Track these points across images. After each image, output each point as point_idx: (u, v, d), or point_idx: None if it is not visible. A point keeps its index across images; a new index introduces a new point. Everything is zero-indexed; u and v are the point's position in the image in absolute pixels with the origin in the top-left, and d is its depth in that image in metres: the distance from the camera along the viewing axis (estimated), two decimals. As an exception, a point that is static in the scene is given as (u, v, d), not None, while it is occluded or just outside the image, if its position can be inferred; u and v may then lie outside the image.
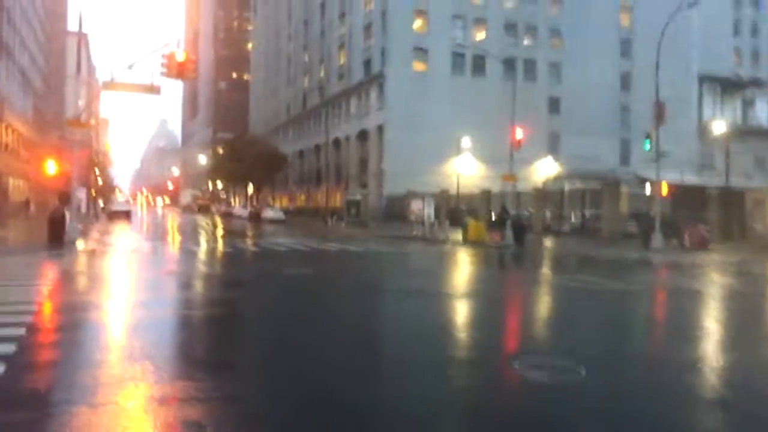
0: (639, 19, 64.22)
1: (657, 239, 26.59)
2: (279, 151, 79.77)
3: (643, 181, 46.54)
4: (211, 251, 23.55)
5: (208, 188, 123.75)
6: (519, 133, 32.86)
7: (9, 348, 6.86)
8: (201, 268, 17.47)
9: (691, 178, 44.91)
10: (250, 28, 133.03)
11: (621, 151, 64.82)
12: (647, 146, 29.24)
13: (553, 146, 61.92)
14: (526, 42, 63.36)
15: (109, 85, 25.38)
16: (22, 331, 7.83)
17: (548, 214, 37.79)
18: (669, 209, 31.36)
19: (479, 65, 59.94)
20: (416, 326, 9.50)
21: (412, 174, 52.62)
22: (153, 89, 25.39)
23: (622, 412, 5.61)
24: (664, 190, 29.30)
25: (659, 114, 28.25)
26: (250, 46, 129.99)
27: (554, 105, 63.53)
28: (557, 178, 56.20)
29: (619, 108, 65.13)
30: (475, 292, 13.91)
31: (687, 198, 33.31)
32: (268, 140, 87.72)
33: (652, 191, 32.32)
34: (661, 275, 18.50)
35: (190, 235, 34.89)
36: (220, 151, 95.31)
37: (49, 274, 14.35)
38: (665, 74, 30.85)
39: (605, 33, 64.12)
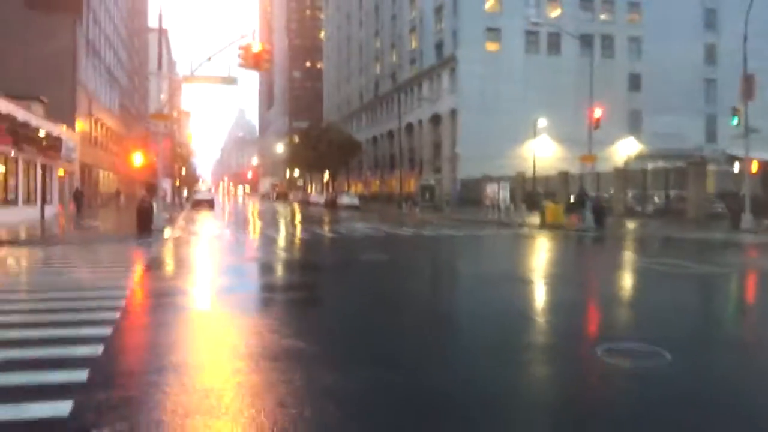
0: (725, -13, 60.88)
1: (747, 220, 25.30)
2: (353, 138, 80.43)
3: (731, 159, 44.33)
4: (290, 237, 24.07)
5: (285, 176, 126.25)
6: (597, 112, 31.88)
7: (105, 330, 7.24)
8: (280, 254, 17.88)
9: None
10: (321, 16, 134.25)
11: (707, 128, 61.86)
12: (735, 122, 27.79)
13: (634, 125, 59.77)
14: (603, 17, 61.21)
15: (189, 78, 26.25)
16: (116, 314, 8.24)
17: (630, 195, 36.56)
18: (759, 188, 29.78)
19: (554, 43, 58.42)
20: (496, 312, 9.41)
21: (487, 157, 51.95)
22: (230, 80, 26.09)
23: (709, 398, 5.39)
24: (755, 168, 27.84)
25: (747, 88, 26.73)
26: (322, 34, 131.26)
27: (634, 82, 61.24)
28: (639, 158, 54.29)
29: (703, 83, 62.13)
30: (554, 276, 13.66)
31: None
32: (342, 127, 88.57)
33: (740, 169, 30.77)
34: (752, 257, 17.63)
35: (269, 222, 35.74)
36: (296, 139, 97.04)
37: (138, 261, 15.03)
38: (753, 45, 29.11)
39: (688, 3, 61.07)
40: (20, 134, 27.77)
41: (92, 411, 4.74)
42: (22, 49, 37.64)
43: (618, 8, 61.53)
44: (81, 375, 5.52)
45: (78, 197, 36.51)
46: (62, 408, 4.73)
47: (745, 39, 26.90)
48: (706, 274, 13.70)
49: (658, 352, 6.42)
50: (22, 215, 29.04)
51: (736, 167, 34.16)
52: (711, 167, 33.14)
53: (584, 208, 27.63)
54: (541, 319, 8.84)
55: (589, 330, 8.48)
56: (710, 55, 62.46)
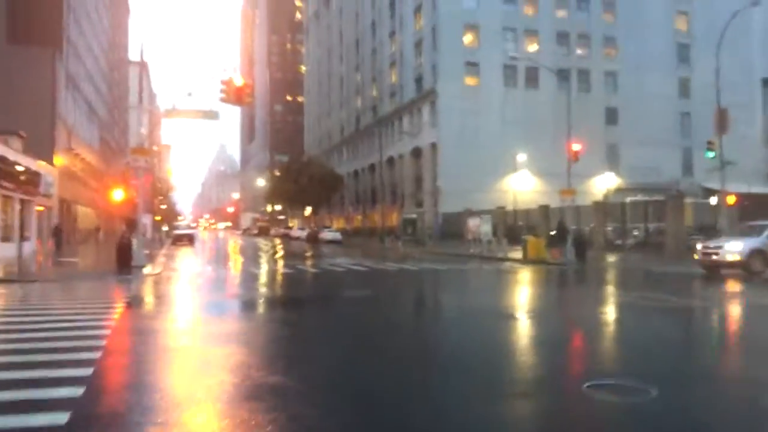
0: (697, 22, 62.61)
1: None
2: (334, 172, 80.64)
3: (707, 191, 45.09)
4: (272, 273, 23.92)
5: (266, 211, 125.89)
6: (576, 146, 32.38)
7: (86, 371, 7.10)
8: (263, 290, 17.75)
9: (758, 188, 43.15)
10: (302, 50, 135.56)
11: (683, 161, 62.95)
12: (710, 155, 28.33)
13: (612, 158, 60.60)
14: (579, 52, 62.48)
15: (170, 112, 26.30)
16: (97, 354, 8.10)
17: (610, 228, 36.90)
18: (736, 221, 30.20)
19: (532, 77, 59.42)
20: (480, 348, 9.40)
21: (468, 191, 52.29)
22: (211, 114, 26.16)
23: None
24: (731, 201, 28.29)
25: (721, 121, 27.36)
26: (303, 68, 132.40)
27: (611, 116, 62.32)
28: (618, 191, 54.98)
29: (679, 116, 63.41)
30: (538, 311, 13.68)
31: (755, 209, 32.01)
32: (323, 161, 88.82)
33: (717, 202, 31.26)
34: (731, 291, 17.80)
35: (251, 257, 35.53)
36: (277, 173, 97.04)
37: (118, 299, 14.81)
38: (726, 79, 29.91)
39: (662, 38, 62.70)
40: (-2, 169, 27.49)
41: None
42: (0, 82, 37.45)
43: (594, 43, 62.87)
44: (62, 417, 5.40)
45: (57, 233, 36.07)
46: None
47: (717, 73, 27.60)
48: (688, 307, 13.83)
49: (643, 388, 6.42)
50: (0, 252, 28.58)
51: (713, 200, 34.69)
52: (688, 200, 33.60)
53: (565, 242, 27.80)
54: (526, 356, 8.83)
55: (574, 365, 8.48)
56: (684, 89, 63.87)
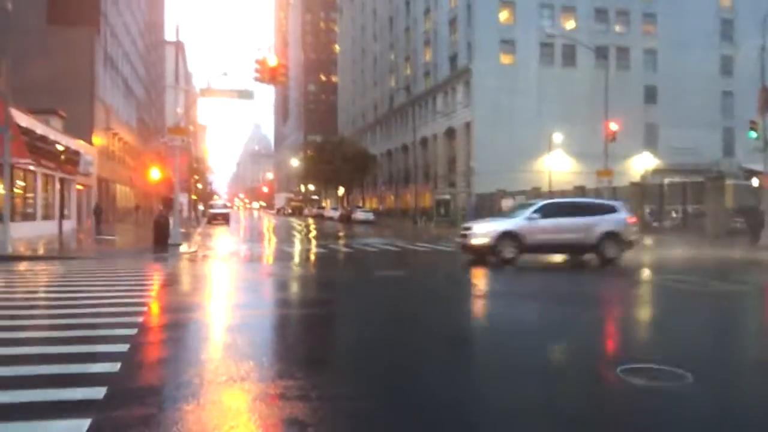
0: (741, -2, 60.59)
1: (766, 235, 24.99)
2: (367, 152, 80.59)
3: (749, 173, 43.91)
4: (305, 253, 24.08)
5: (300, 191, 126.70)
6: (613, 126, 31.80)
7: (122, 347, 7.24)
8: (296, 269, 17.89)
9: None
10: (336, 29, 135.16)
11: (724, 142, 61.38)
12: (753, 135, 27.53)
13: (650, 138, 59.39)
14: (618, 29, 61.06)
15: (206, 92, 26.46)
16: (133, 330, 8.25)
17: (647, 210, 36.25)
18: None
19: (569, 55, 58.34)
20: (514, 329, 9.35)
21: (502, 171, 51.82)
22: (246, 94, 26.29)
23: (731, 420, 5.29)
24: (773, 182, 27.50)
25: (765, 100, 26.50)
26: (337, 47, 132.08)
27: (650, 95, 60.94)
28: (656, 172, 53.91)
29: (720, 96, 61.68)
30: (571, 294, 13.52)
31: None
32: (356, 141, 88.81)
33: (759, 184, 30.43)
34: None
35: (284, 237, 35.82)
36: (310, 153, 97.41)
37: (154, 277, 15.07)
38: (772, 57, 28.93)
39: (704, 15, 60.79)
40: (39, 148, 28.10)
41: (110, 429, 4.73)
42: (41, 63, 38.17)
43: (633, 20, 61.37)
44: (99, 392, 5.51)
45: (97, 212, 36.85)
46: (80, 426, 4.71)
47: (762, 50, 26.70)
48: (725, 292, 13.51)
49: (679, 373, 6.31)
50: (40, 229, 29.32)
51: (755, 182, 33.80)
52: (729, 182, 32.75)
53: None
54: (559, 337, 8.73)
55: (610, 349, 8.37)
56: (727, 67, 62.08)
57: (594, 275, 16.66)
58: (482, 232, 18.42)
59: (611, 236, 18.06)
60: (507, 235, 17.84)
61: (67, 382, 5.87)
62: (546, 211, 18.38)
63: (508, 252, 17.76)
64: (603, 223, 18.16)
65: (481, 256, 18.47)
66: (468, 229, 19.03)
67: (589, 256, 18.65)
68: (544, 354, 7.51)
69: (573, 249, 18.65)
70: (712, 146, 59.75)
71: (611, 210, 18.80)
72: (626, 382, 6.08)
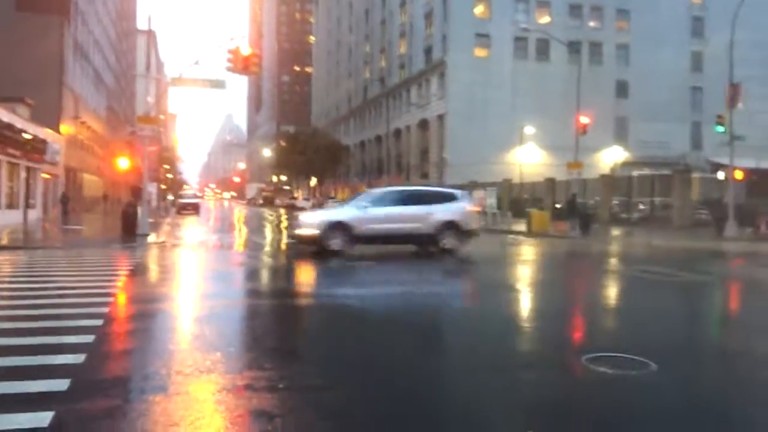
0: (711, -6, 61.54)
1: (731, 228, 25.53)
2: (340, 143, 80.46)
3: (715, 166, 44.76)
4: (276, 243, 23.98)
5: (272, 181, 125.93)
6: (584, 119, 32.12)
7: (88, 338, 7.15)
8: (266, 260, 17.78)
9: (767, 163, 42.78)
10: (311, 20, 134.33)
11: (692, 136, 62.48)
12: (720, 129, 28.05)
13: (620, 132, 60.21)
14: (591, 24, 61.72)
15: (177, 81, 26.14)
16: (99, 321, 8.14)
17: (615, 202, 36.78)
18: (744, 196, 30.04)
19: (543, 49, 58.80)
20: (483, 318, 9.42)
21: (474, 163, 52.11)
22: (219, 83, 26.03)
23: (695, 407, 5.41)
24: (739, 176, 28.09)
25: (733, 95, 27.00)
26: (312, 38, 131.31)
27: (622, 89, 61.75)
28: (625, 165, 54.66)
29: (690, 91, 62.71)
30: (540, 283, 13.69)
31: (763, 184, 31.83)
32: (329, 132, 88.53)
33: (725, 177, 31.04)
34: (735, 266, 17.76)
35: (255, 227, 35.61)
36: (283, 144, 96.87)
37: (122, 267, 14.88)
38: (740, 53, 29.43)
39: (675, 11, 61.74)
40: (4, 136, 27.52)
41: (74, 421, 4.67)
42: (8, 50, 37.33)
43: (606, 15, 62.03)
44: (63, 384, 5.44)
45: (64, 201, 36.24)
46: (42, 419, 4.65)
47: (732, 46, 27.15)
48: (690, 282, 13.78)
49: (643, 361, 6.42)
50: (5, 219, 28.75)
51: (721, 175, 34.47)
52: (696, 175, 33.39)
53: (575, 216, 27.69)
54: (527, 327, 8.85)
55: (575, 339, 8.48)
56: (697, 63, 63.12)
57: (432, 264, 16.34)
58: (309, 222, 17.53)
59: (450, 226, 17.35)
60: (336, 226, 16.81)
61: (30, 374, 5.77)
62: (380, 200, 17.55)
63: (335, 243, 16.66)
64: (441, 212, 17.38)
65: (313, 246, 17.28)
66: (298, 219, 18.21)
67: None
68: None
69: (409, 239, 17.59)
70: (681, 140, 60.80)
71: (451, 198, 18.11)
72: (593, 371, 6.18)
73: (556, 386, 5.95)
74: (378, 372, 6.24)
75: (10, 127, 28.75)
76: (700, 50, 62.57)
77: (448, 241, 17.31)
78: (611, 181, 38.17)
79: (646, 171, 41.85)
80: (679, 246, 22.69)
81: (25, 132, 31.21)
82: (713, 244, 23.15)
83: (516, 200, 43.92)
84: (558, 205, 34.52)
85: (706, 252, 20.78)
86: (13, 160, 31.06)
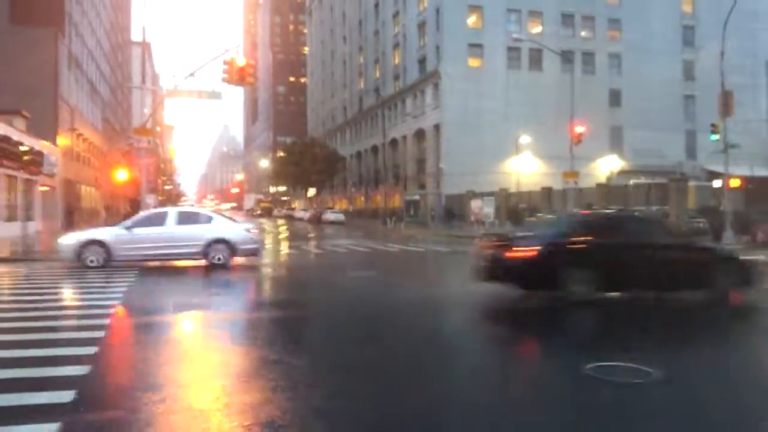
0: (702, 4, 62.08)
1: (727, 235, 25.65)
2: (337, 153, 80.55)
3: (711, 174, 44.98)
4: (275, 254, 24.01)
5: (270, 192, 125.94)
6: (579, 128, 32.28)
7: (90, 350, 7.19)
8: (266, 270, 17.82)
9: (762, 171, 43.07)
10: (305, 31, 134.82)
11: (687, 144, 62.81)
12: (714, 138, 28.22)
13: (615, 141, 60.41)
14: (583, 34, 62.10)
15: (173, 92, 26.27)
16: (101, 333, 8.19)
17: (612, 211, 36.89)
18: (740, 204, 30.19)
19: (536, 59, 59.11)
20: (483, 329, 9.48)
21: (471, 173, 52.26)
22: (215, 94, 26.15)
23: (687, 415, 5.49)
24: (734, 184, 28.22)
25: (726, 104, 27.17)
26: (306, 49, 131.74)
27: (615, 98, 62.04)
28: (621, 174, 54.86)
29: (683, 99, 63.14)
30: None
31: (759, 192, 32.01)
32: (326, 142, 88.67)
33: (720, 185, 31.22)
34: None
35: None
36: (280, 154, 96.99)
37: (121, 279, 14.89)
38: (732, 61, 29.69)
39: (666, 21, 62.24)
40: (1, 149, 27.53)
41: (79, 433, 4.72)
42: (4, 63, 37.35)
43: (598, 25, 62.43)
44: (67, 395, 5.48)
45: (69, 212, 36.07)
46: (49, 430, 4.69)
47: (722, 55, 27.35)
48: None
49: (641, 369, 6.48)
50: (4, 231, 28.70)
51: (716, 183, 34.65)
52: (692, 183, 33.52)
53: None
54: (525, 335, 8.91)
55: (578, 348, 8.55)
56: (689, 72, 63.53)
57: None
58: (68, 242, 17.33)
59: (220, 244, 17.45)
60: (92, 243, 16.88)
61: (35, 385, 5.82)
62: (143, 222, 17.69)
63: (90, 261, 16.63)
64: (209, 232, 17.64)
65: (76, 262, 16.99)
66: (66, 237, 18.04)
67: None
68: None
69: (175, 257, 17.77)
70: (675, 148, 61.09)
71: (208, 220, 18.27)
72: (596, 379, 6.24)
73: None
74: None
75: (6, 139, 28.75)
76: (692, 59, 63.03)
77: (218, 258, 17.37)
78: (608, 190, 38.33)
79: (642, 180, 42.04)
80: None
81: (22, 144, 31.14)
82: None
83: (513, 209, 44.02)
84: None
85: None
86: (11, 173, 31.04)
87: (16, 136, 30.72)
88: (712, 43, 37.66)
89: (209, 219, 18.42)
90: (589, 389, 6.03)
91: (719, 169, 30.73)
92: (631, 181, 40.62)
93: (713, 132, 28.19)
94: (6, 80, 36.71)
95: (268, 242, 31.54)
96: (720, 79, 27.32)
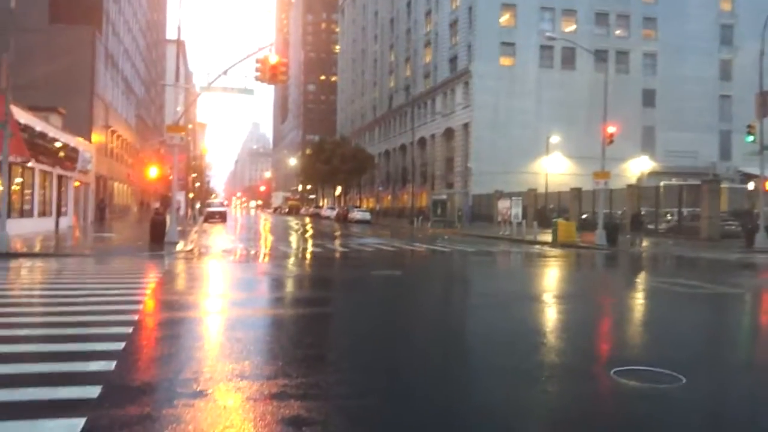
0: (742, 1, 60.74)
1: (761, 239, 25.10)
2: (365, 152, 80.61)
3: (745, 176, 44.04)
4: (301, 252, 24.11)
5: (298, 190, 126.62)
6: (611, 128, 31.79)
7: (118, 345, 7.28)
8: (291, 268, 17.91)
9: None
10: (337, 30, 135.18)
11: (721, 145, 61.50)
12: (750, 139, 27.63)
13: (647, 141, 59.48)
14: (618, 32, 61.21)
15: (206, 88, 26.48)
16: (129, 329, 8.28)
17: (643, 212, 36.36)
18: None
19: (568, 58, 58.45)
20: (508, 332, 9.39)
21: (500, 172, 51.92)
22: (247, 90, 26.32)
23: (723, 422, 5.36)
24: (770, 186, 27.60)
25: (763, 105, 26.59)
26: (337, 48, 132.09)
27: (649, 98, 61.05)
28: (652, 175, 53.99)
29: (718, 100, 61.82)
30: (568, 296, 13.57)
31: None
32: (355, 141, 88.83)
33: (755, 187, 30.53)
34: (766, 277, 17.44)
35: (281, 236, 35.84)
36: (309, 153, 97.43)
37: (150, 275, 15.09)
38: (770, 62, 29.03)
39: (704, 19, 60.97)
40: (37, 145, 28.09)
41: (105, 427, 4.76)
42: (42, 61, 38.09)
43: (633, 24, 61.48)
44: (94, 391, 5.54)
45: (102, 208, 36.69)
46: (74, 425, 4.75)
47: (762, 55, 26.76)
48: (720, 294, 13.57)
49: (671, 374, 6.36)
50: (37, 226, 29.31)
51: (751, 185, 33.91)
52: (725, 185, 32.86)
53: (639, 231, 27.12)
54: (555, 340, 8.79)
55: (605, 351, 8.42)
56: (725, 72, 62.22)
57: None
58: None
59: None
60: None
61: (62, 380, 5.89)
62: None
63: None
64: None
65: None
66: None
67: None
68: None
69: None
70: (709, 149, 59.91)
71: None
72: (621, 384, 6.14)
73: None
74: None
75: (43, 135, 29.33)
76: (730, 58, 61.72)
77: None
78: (638, 191, 37.73)
79: (674, 181, 41.31)
80: (709, 257, 22.35)
81: (58, 141, 31.82)
82: (743, 256, 22.78)
83: (542, 210, 43.63)
84: (584, 216, 34.20)
85: (736, 263, 20.43)
86: (46, 169, 31.67)
87: (52, 132, 31.33)
88: (751, 42, 36.81)
89: None
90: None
91: (754, 171, 30.07)
92: (663, 183, 39.91)
93: (749, 133, 27.60)
94: (44, 78, 37.43)
95: (294, 240, 31.72)
96: (758, 79, 26.74)
